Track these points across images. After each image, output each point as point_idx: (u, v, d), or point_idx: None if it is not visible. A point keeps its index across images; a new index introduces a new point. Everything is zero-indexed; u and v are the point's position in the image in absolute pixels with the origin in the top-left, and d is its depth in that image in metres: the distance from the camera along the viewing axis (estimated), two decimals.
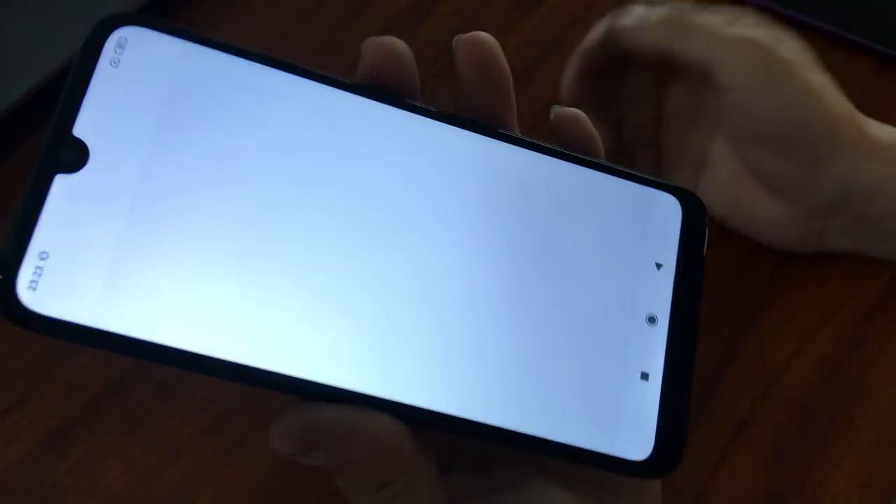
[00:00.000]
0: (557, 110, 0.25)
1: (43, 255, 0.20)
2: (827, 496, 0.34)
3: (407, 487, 0.21)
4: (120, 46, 0.22)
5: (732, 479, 0.34)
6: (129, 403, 0.34)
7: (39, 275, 0.20)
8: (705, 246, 0.25)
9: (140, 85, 0.22)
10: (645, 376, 0.23)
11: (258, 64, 0.23)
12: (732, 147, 0.35)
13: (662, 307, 0.24)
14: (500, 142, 0.24)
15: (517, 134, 0.25)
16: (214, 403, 0.34)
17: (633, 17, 0.35)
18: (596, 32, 0.36)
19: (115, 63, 0.21)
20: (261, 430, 0.34)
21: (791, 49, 0.34)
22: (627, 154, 0.38)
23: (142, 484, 0.33)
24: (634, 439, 0.23)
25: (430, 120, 0.24)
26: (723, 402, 0.36)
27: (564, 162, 0.24)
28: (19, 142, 0.38)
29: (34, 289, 0.20)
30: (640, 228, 0.24)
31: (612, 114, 0.38)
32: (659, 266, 0.24)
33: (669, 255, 0.24)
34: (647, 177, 0.25)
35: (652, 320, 0.24)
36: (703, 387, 0.36)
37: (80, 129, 0.21)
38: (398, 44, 0.23)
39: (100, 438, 0.33)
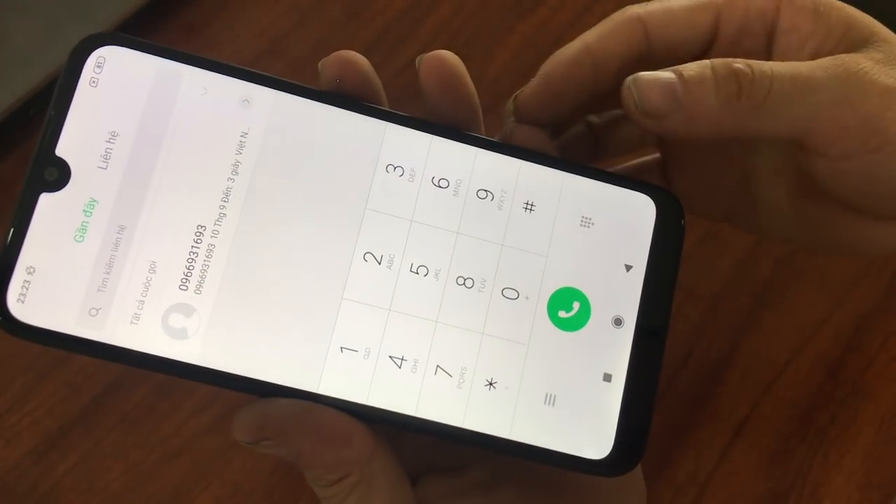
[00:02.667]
0: (510, 124, 0.25)
1: (30, 270, 0.21)
2: (827, 496, 0.34)
3: (362, 483, 0.22)
4: (98, 66, 0.22)
5: (732, 479, 0.34)
6: (128, 404, 0.34)
7: (27, 288, 0.21)
8: (682, 248, 0.24)
9: (118, 103, 0.22)
10: (608, 377, 0.23)
11: (234, 78, 0.23)
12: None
13: (629, 309, 0.24)
14: (466, 145, 0.24)
15: (485, 136, 0.25)
16: (213, 404, 0.34)
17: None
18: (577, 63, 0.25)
19: (94, 83, 0.22)
20: None
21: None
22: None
23: (141, 484, 0.33)
24: (593, 439, 0.23)
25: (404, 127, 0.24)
26: (723, 402, 0.36)
27: (535, 165, 0.24)
28: (19, 141, 0.38)
29: (22, 301, 0.21)
30: (611, 230, 0.24)
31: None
32: (629, 268, 0.24)
33: (640, 257, 0.24)
34: (621, 177, 0.25)
35: (618, 322, 0.24)
36: (703, 386, 0.36)
37: (62, 149, 0.22)
38: (351, 53, 0.24)
39: (99, 438, 0.33)
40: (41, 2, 0.39)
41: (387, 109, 0.24)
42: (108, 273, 0.22)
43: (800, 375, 0.36)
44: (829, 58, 0.24)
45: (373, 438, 0.22)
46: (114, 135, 0.22)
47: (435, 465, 0.25)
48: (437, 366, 0.23)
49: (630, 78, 0.23)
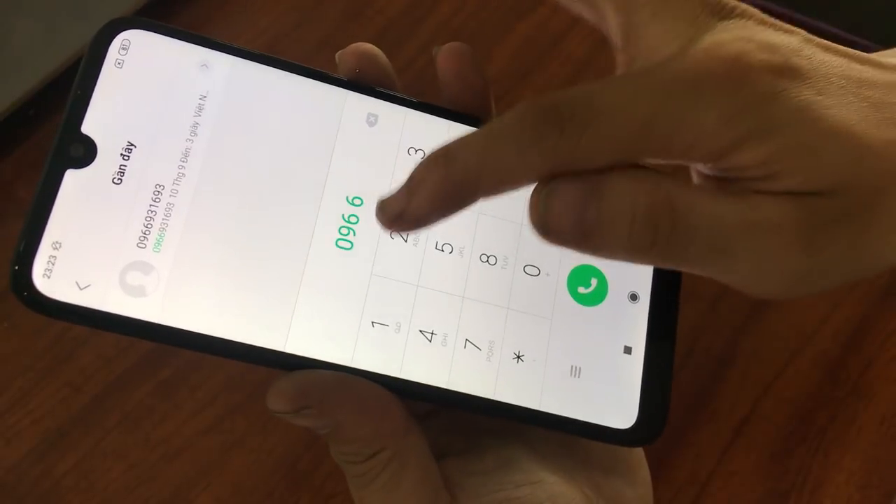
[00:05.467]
0: None
1: (56, 245, 0.21)
2: (827, 496, 0.34)
3: (396, 458, 0.22)
4: (124, 48, 0.23)
5: (732, 479, 0.34)
6: (129, 403, 0.34)
7: (53, 263, 0.21)
8: None
9: (143, 84, 0.23)
10: (628, 350, 0.24)
11: (255, 63, 0.24)
12: None
13: (644, 284, 0.25)
14: (474, 128, 0.25)
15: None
16: (214, 404, 0.34)
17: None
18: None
19: (119, 64, 0.23)
20: (260, 429, 0.34)
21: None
22: None
23: (142, 484, 0.33)
24: (619, 409, 0.24)
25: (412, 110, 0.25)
26: (723, 402, 0.36)
27: None
28: (19, 141, 0.38)
29: (48, 276, 0.21)
30: None
31: None
32: None
33: None
34: None
35: (634, 297, 0.25)
36: (703, 387, 0.36)
37: (88, 127, 0.22)
38: (369, 45, 0.25)
39: (100, 438, 0.33)
40: (41, 2, 0.39)
41: (408, 97, 0.25)
42: (136, 249, 0.22)
43: (800, 375, 0.36)
44: None
45: (407, 413, 0.22)
46: (138, 114, 0.22)
47: (452, 450, 0.25)
48: (467, 339, 0.23)
49: (547, 188, 0.19)
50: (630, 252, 0.19)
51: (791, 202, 0.19)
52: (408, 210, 0.19)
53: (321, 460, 0.34)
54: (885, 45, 0.42)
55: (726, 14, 0.20)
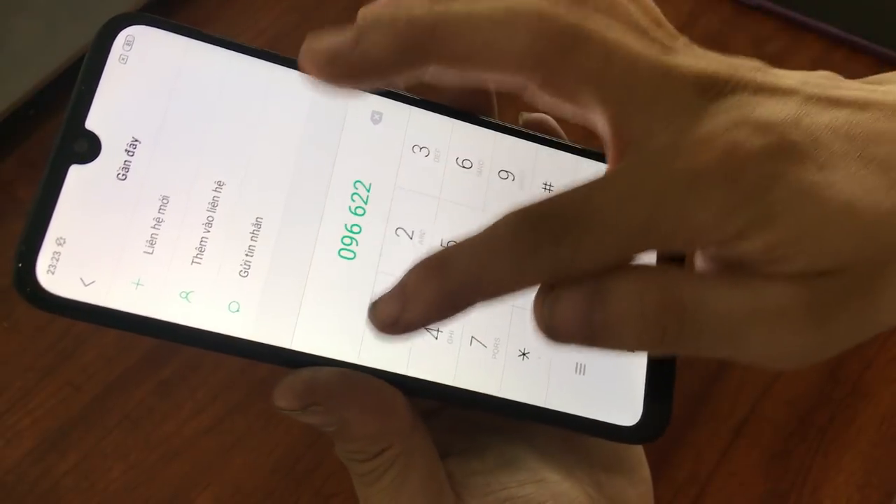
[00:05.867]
0: (525, 116, 0.26)
1: (60, 241, 0.21)
2: (827, 496, 0.34)
3: (402, 457, 0.22)
4: (128, 44, 0.23)
5: (732, 479, 0.34)
6: (129, 403, 0.34)
7: (57, 259, 0.21)
8: None
9: (147, 80, 0.23)
10: None
11: (259, 59, 0.24)
12: None
13: None
14: (486, 129, 0.25)
15: (502, 122, 0.26)
16: (214, 403, 0.34)
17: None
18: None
19: (123, 60, 0.23)
20: (260, 429, 0.34)
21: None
22: None
23: (142, 484, 0.33)
24: (623, 406, 0.24)
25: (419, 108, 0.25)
26: (723, 402, 0.36)
27: (551, 149, 0.25)
28: (19, 141, 0.38)
29: (52, 273, 0.21)
30: None
31: None
32: None
33: None
34: None
35: None
36: (703, 387, 0.36)
37: (92, 122, 0.22)
38: None
39: (100, 438, 0.33)
40: (41, 1, 0.39)
41: (412, 95, 0.25)
42: (141, 245, 0.22)
43: (800, 375, 0.36)
44: None
45: (413, 411, 0.22)
46: (142, 110, 0.22)
47: (455, 448, 0.25)
48: (472, 337, 0.23)
49: (550, 297, 0.19)
50: (640, 348, 0.19)
51: (797, 284, 0.19)
52: (402, 319, 0.19)
53: (321, 460, 0.34)
54: (884, 44, 0.43)
55: (718, 92, 0.19)
